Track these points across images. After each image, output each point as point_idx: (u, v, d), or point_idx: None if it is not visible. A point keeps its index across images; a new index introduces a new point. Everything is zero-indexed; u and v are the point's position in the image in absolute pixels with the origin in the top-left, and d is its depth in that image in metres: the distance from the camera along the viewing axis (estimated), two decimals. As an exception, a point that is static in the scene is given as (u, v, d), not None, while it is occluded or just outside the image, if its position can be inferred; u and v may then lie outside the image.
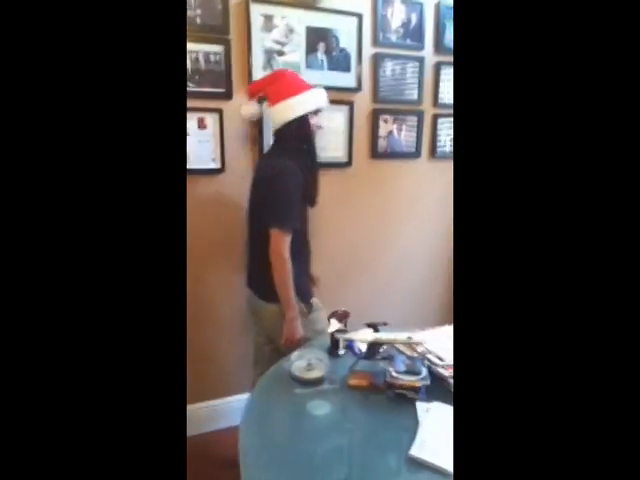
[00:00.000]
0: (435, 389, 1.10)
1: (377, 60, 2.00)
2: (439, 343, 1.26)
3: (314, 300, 1.56)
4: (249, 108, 1.59)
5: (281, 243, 1.38)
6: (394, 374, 1.11)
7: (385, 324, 1.30)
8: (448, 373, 1.13)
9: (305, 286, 1.53)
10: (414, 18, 2.05)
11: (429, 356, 1.20)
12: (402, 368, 1.13)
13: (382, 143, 2.09)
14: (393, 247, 2.28)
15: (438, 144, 2.22)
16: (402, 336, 1.21)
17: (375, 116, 2.04)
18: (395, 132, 2.11)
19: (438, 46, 2.12)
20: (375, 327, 1.28)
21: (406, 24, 2.03)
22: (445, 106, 2.19)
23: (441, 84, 2.16)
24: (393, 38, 2.02)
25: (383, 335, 1.23)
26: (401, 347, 1.25)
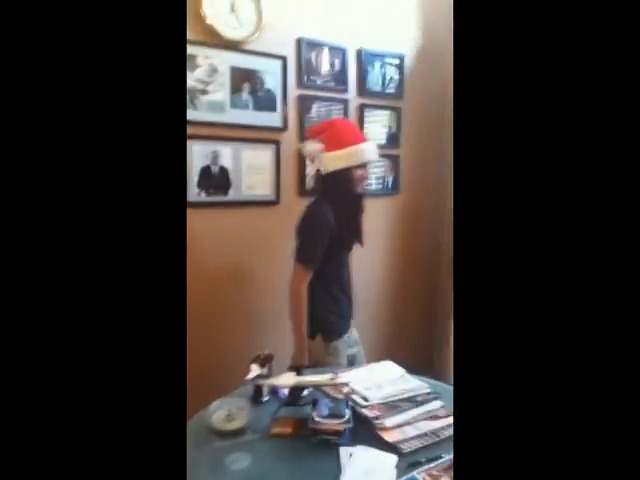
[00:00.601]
0: (359, 431, 1.08)
1: (302, 101, 2.05)
2: (364, 382, 1.25)
3: (335, 344, 1.60)
4: (310, 147, 1.60)
5: (297, 278, 1.51)
6: (317, 418, 1.07)
7: (308, 366, 1.27)
8: (372, 414, 1.12)
9: (327, 324, 1.60)
10: (337, 63, 2.14)
11: (354, 397, 1.18)
12: (325, 412, 1.10)
13: (310, 181, 2.12)
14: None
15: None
16: (325, 377, 1.18)
17: (302, 155, 2.07)
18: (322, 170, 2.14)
19: (361, 89, 2.22)
20: (298, 369, 1.25)
21: (330, 68, 2.12)
22: (370, 146, 2.28)
23: (365, 125, 2.25)
24: (318, 81, 2.09)
25: (305, 378, 1.20)
26: (326, 389, 1.22)
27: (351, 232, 1.61)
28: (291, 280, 1.53)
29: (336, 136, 1.53)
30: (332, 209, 1.52)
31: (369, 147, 1.57)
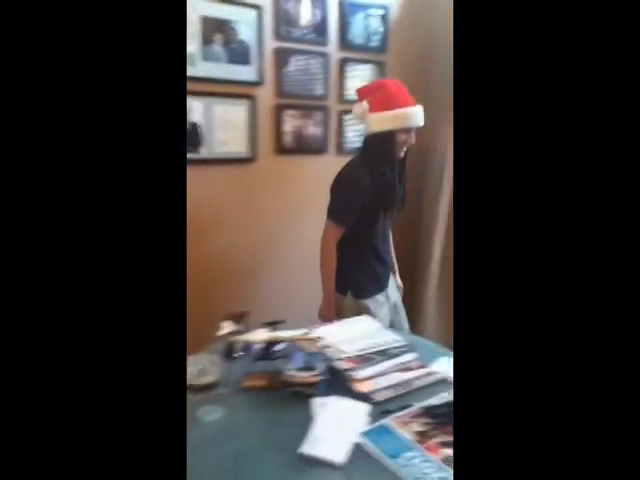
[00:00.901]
0: (333, 383, 1.08)
1: (279, 54, 1.96)
2: (339, 336, 1.25)
3: (364, 302, 1.60)
4: (357, 108, 1.58)
5: (327, 233, 1.56)
6: (291, 371, 1.07)
7: (283, 322, 1.27)
8: (346, 366, 1.12)
9: (354, 282, 1.61)
10: (317, 13, 2.04)
11: (328, 350, 1.18)
12: (300, 365, 1.10)
13: (288, 138, 2.06)
14: (299, 243, 2.24)
15: (345, 140, 2.23)
16: (299, 333, 1.18)
17: (279, 111, 2.00)
18: (301, 127, 2.09)
19: (343, 42, 2.13)
20: (272, 325, 1.24)
21: (309, 19, 2.02)
22: (351, 102, 2.19)
23: (346, 80, 2.17)
24: (296, 33, 2.00)
25: (279, 333, 1.20)
26: (301, 344, 1.22)
27: (388, 196, 1.58)
28: (322, 236, 1.57)
29: (383, 97, 1.49)
30: (370, 171, 1.51)
31: (416, 111, 1.51)
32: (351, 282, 1.61)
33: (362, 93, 1.58)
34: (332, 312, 1.59)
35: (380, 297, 1.65)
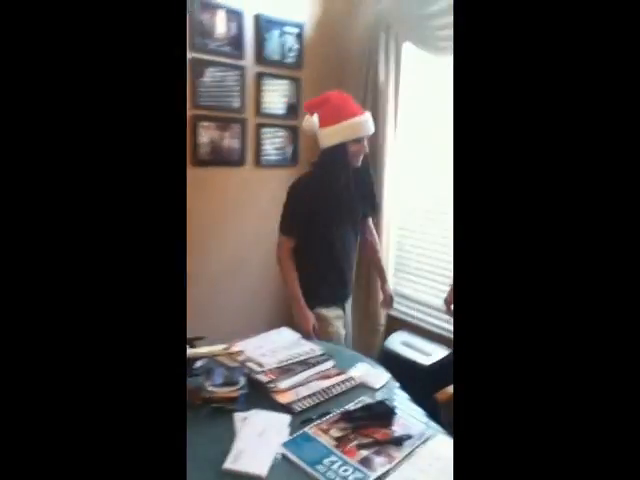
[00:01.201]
0: (254, 396, 1.09)
1: (193, 65, 1.94)
2: (260, 349, 1.26)
3: (321, 312, 1.62)
4: (307, 123, 1.58)
5: (278, 245, 1.63)
6: (210, 387, 1.07)
7: (201, 338, 1.25)
8: (267, 379, 1.14)
9: (307, 290, 1.62)
10: (233, 27, 2.05)
11: (249, 364, 1.19)
12: (220, 380, 1.09)
13: (204, 150, 2.03)
14: (216, 256, 2.22)
15: (263, 152, 2.26)
16: (218, 348, 1.17)
17: (194, 122, 1.98)
18: (218, 139, 2.07)
19: (259, 57, 2.16)
20: (190, 343, 1.22)
21: (225, 32, 2.02)
22: (268, 116, 2.24)
23: (263, 94, 2.20)
24: (211, 44, 1.99)
25: (198, 349, 1.18)
26: (221, 359, 1.21)
27: (345, 208, 1.60)
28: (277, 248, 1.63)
29: (330, 111, 1.51)
30: (325, 184, 1.54)
31: (364, 120, 1.53)
32: (306, 291, 1.61)
33: (309, 107, 1.60)
34: (306, 324, 1.57)
35: (336, 310, 1.67)
